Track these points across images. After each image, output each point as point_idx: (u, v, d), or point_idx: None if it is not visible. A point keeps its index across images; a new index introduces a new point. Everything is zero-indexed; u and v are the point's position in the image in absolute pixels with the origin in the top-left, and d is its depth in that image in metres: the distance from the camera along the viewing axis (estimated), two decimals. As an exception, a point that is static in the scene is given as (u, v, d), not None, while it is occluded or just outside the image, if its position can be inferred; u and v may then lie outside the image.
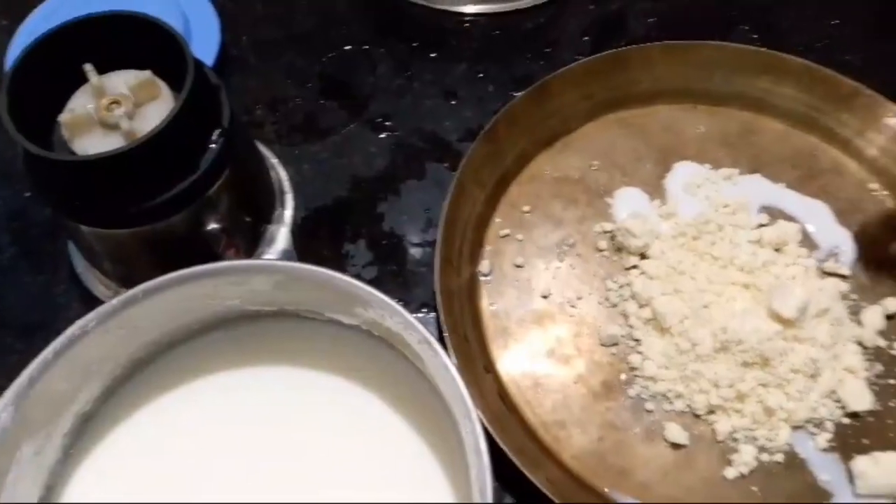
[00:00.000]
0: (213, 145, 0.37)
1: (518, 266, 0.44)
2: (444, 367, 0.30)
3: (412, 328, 0.31)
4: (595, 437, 0.39)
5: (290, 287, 0.34)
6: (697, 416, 0.39)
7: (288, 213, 0.46)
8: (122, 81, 0.37)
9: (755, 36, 0.53)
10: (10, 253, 0.46)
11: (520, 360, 0.41)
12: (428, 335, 0.31)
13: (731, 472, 0.37)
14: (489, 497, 0.27)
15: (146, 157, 0.34)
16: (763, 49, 0.49)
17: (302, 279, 0.33)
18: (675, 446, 0.38)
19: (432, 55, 0.53)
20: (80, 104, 0.36)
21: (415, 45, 0.54)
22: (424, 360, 0.32)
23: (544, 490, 0.35)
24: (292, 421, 0.35)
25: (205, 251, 0.41)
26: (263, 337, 0.37)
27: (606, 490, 0.37)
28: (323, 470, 0.34)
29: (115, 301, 0.32)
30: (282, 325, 0.37)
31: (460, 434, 0.31)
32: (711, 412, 0.39)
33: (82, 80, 0.37)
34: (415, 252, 0.45)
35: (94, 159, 0.34)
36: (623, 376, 0.40)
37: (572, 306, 0.42)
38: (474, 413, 0.29)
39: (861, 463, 0.37)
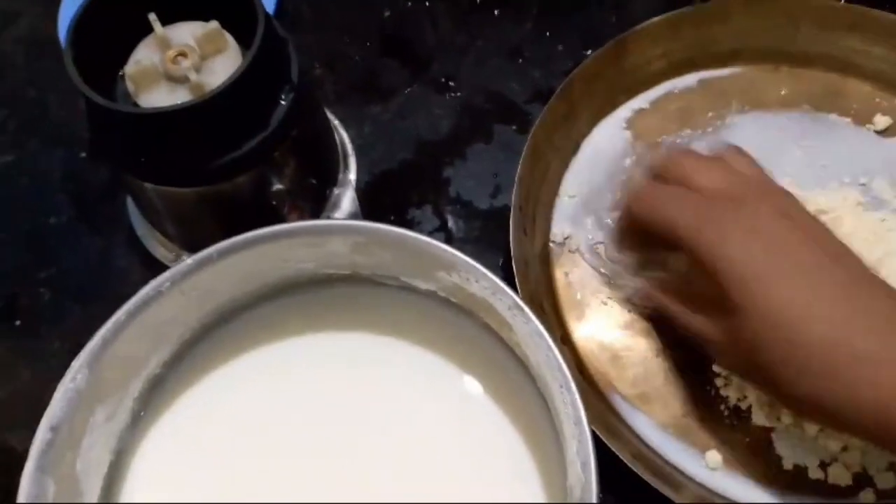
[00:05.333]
0: (283, 102, 0.36)
1: (593, 235, 0.42)
2: (538, 333, 0.29)
3: (502, 293, 0.30)
4: (678, 412, 0.37)
5: (370, 250, 0.32)
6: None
7: (352, 176, 0.44)
8: (188, 33, 0.35)
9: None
10: (67, 215, 0.45)
11: (597, 331, 0.39)
12: (519, 300, 0.29)
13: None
14: (593, 469, 0.25)
15: (216, 113, 0.33)
16: (851, 4, 0.46)
17: (382, 240, 0.31)
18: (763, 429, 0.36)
19: (496, 12, 0.51)
20: (146, 56, 0.35)
21: (478, 1, 0.51)
22: (514, 327, 0.30)
23: (630, 465, 0.33)
24: (364, 388, 0.34)
25: (270, 214, 0.39)
26: (335, 302, 0.36)
27: (689, 468, 0.35)
28: (397, 440, 0.33)
29: (189, 261, 0.31)
30: (354, 289, 0.36)
31: (554, 404, 0.29)
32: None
33: (145, 31, 0.35)
34: (483, 219, 0.44)
35: (163, 112, 0.32)
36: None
37: (652, 276, 0.40)
38: (573, 383, 0.27)
39: None
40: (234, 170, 0.35)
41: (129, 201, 0.44)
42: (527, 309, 0.29)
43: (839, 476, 0.35)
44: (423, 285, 0.34)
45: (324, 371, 0.34)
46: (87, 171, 0.46)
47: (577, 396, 0.27)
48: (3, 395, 0.40)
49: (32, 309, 0.43)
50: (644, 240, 0.37)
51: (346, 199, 0.43)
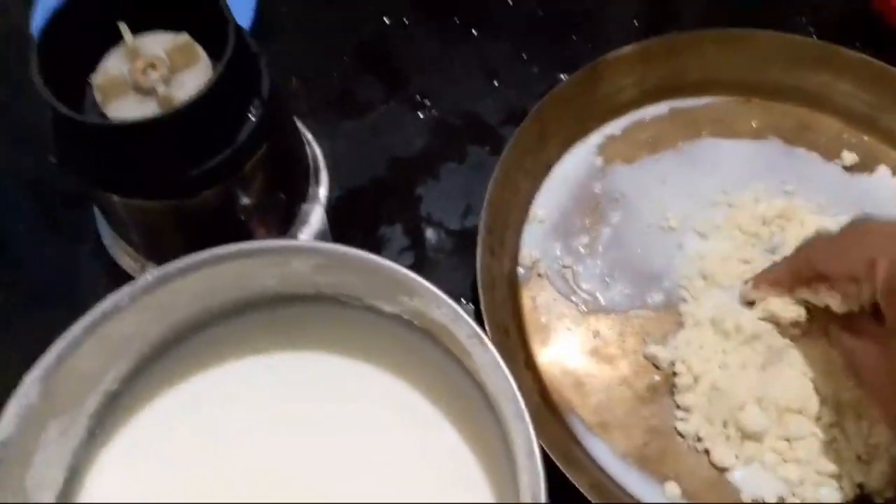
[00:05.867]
0: (252, 117, 0.35)
1: (561, 260, 0.42)
2: (495, 363, 0.29)
3: (461, 321, 0.30)
4: (639, 442, 0.37)
5: (331, 270, 0.32)
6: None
7: (322, 191, 0.44)
8: (159, 44, 0.35)
9: (812, 29, 0.51)
10: (32, 222, 0.45)
11: (562, 356, 0.39)
12: (478, 329, 0.29)
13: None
14: (542, 500, 0.25)
15: (183, 127, 0.32)
16: (821, 41, 0.47)
17: (345, 263, 0.31)
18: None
19: (474, 32, 0.51)
20: (115, 66, 0.34)
21: (457, 21, 0.51)
22: (473, 355, 0.30)
23: (586, 494, 0.33)
24: (325, 409, 0.34)
25: (237, 228, 0.39)
26: (299, 321, 0.35)
27: (646, 499, 0.36)
28: (354, 461, 0.33)
29: (149, 277, 0.30)
30: (318, 309, 0.35)
31: (509, 434, 0.29)
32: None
33: (115, 39, 0.35)
34: (453, 239, 0.44)
35: (130, 125, 0.32)
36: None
37: (618, 304, 0.41)
38: (527, 414, 0.27)
39: None
40: (201, 184, 0.35)
41: (96, 209, 0.43)
42: (485, 338, 0.29)
43: (796, 510, 0.35)
44: (387, 308, 0.34)
45: (284, 391, 0.34)
46: (55, 176, 0.45)
47: (531, 428, 0.27)
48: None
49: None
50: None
51: (315, 216, 0.43)
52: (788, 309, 0.37)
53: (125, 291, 0.30)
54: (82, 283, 0.43)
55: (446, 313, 0.30)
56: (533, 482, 0.26)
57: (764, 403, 0.36)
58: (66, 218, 0.45)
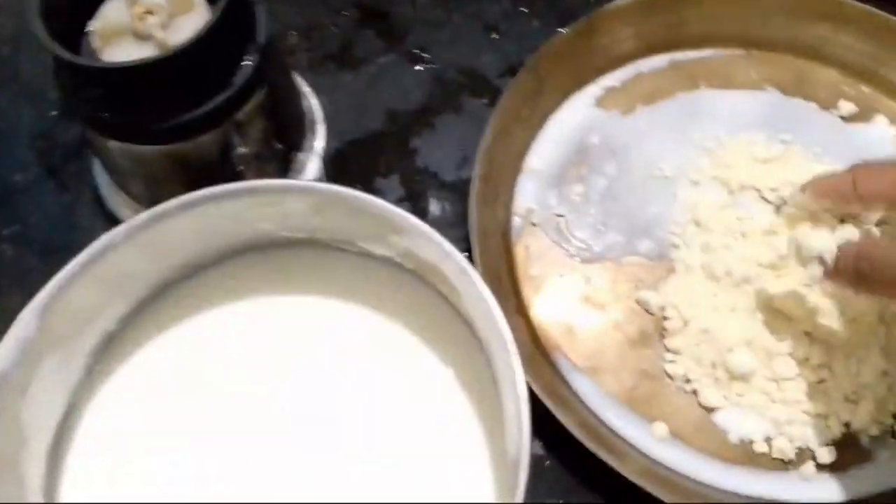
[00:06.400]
0: (248, 62, 0.36)
1: (556, 209, 0.42)
2: (480, 297, 0.29)
3: (450, 257, 0.30)
4: (629, 385, 0.37)
5: (325, 211, 0.33)
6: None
7: (319, 143, 0.44)
8: (157, -10, 0.35)
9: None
10: (34, 172, 0.45)
11: (554, 304, 0.40)
12: (466, 265, 0.30)
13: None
14: (526, 428, 0.26)
15: (178, 69, 0.33)
16: (823, -8, 0.46)
17: (337, 202, 0.32)
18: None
19: (474, -13, 0.51)
20: (113, 12, 0.35)
21: (456, -25, 0.51)
22: (461, 291, 0.31)
23: (575, 433, 0.34)
24: (319, 351, 0.35)
25: (234, 176, 0.39)
26: (294, 265, 0.36)
27: (635, 439, 0.36)
28: (348, 402, 0.33)
29: (144, 215, 0.31)
30: (312, 253, 0.36)
31: (496, 367, 0.29)
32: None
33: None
34: (449, 190, 0.44)
35: (125, 67, 0.32)
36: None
37: (611, 252, 0.41)
38: (512, 344, 0.28)
39: None
40: (196, 128, 0.36)
41: (96, 161, 0.44)
42: (472, 272, 0.29)
43: (783, 450, 0.35)
44: (379, 251, 0.35)
45: (278, 332, 0.35)
46: (57, 129, 0.46)
47: (515, 358, 0.27)
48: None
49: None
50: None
51: (312, 167, 0.43)
52: (821, 238, 0.33)
53: (120, 229, 0.31)
54: (82, 233, 0.43)
55: (435, 251, 0.30)
56: (517, 410, 0.27)
57: (753, 346, 0.37)
58: (67, 171, 0.45)
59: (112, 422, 0.33)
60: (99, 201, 0.44)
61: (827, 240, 0.32)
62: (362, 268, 0.36)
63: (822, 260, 0.32)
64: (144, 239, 0.32)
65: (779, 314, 0.37)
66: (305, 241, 0.36)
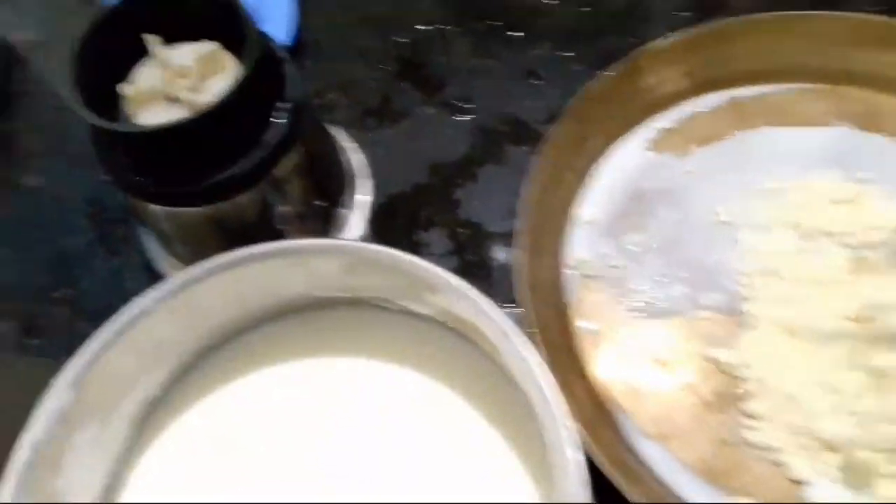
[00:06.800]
0: (279, 120, 0.35)
1: (610, 259, 0.40)
2: (520, 358, 0.27)
3: (485, 315, 0.28)
4: (705, 454, 0.34)
5: (358, 270, 0.32)
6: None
7: (361, 198, 0.44)
8: (188, 53, 0.35)
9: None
10: (87, 238, 0.46)
11: (615, 363, 0.37)
12: (504, 323, 0.28)
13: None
14: (576, 496, 0.24)
15: (208, 130, 0.33)
16: (885, 17, 0.43)
17: (367, 261, 0.31)
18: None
19: (512, 34, 0.50)
20: (144, 77, 0.35)
21: (495, 24, 0.51)
22: (501, 351, 0.29)
23: None
24: (362, 414, 0.33)
25: (276, 236, 0.39)
26: (334, 326, 0.35)
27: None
28: (395, 464, 0.32)
29: (175, 279, 0.30)
30: (353, 313, 0.35)
31: (543, 428, 0.27)
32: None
33: (145, 53, 0.36)
34: (496, 242, 0.42)
35: (154, 130, 0.32)
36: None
37: (676, 306, 0.38)
38: (557, 408, 0.25)
39: None
40: (232, 188, 0.35)
41: (142, 225, 0.44)
42: (510, 332, 0.27)
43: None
44: (417, 308, 0.33)
45: (319, 396, 0.34)
46: (108, 193, 0.47)
47: (562, 421, 0.25)
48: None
49: (48, 329, 0.43)
50: None
51: (355, 222, 0.42)
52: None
53: (150, 295, 0.30)
54: (129, 297, 0.43)
55: (469, 308, 0.29)
56: (564, 476, 0.24)
57: (846, 409, 0.33)
58: (116, 235, 0.46)
59: (155, 487, 0.33)
60: (147, 265, 0.44)
61: None
62: (404, 326, 0.35)
63: None
64: (176, 304, 0.31)
65: (875, 371, 0.33)
66: (345, 300, 0.35)
